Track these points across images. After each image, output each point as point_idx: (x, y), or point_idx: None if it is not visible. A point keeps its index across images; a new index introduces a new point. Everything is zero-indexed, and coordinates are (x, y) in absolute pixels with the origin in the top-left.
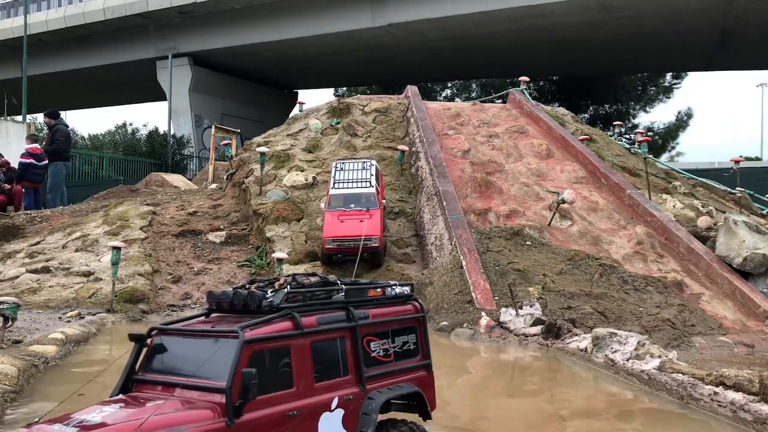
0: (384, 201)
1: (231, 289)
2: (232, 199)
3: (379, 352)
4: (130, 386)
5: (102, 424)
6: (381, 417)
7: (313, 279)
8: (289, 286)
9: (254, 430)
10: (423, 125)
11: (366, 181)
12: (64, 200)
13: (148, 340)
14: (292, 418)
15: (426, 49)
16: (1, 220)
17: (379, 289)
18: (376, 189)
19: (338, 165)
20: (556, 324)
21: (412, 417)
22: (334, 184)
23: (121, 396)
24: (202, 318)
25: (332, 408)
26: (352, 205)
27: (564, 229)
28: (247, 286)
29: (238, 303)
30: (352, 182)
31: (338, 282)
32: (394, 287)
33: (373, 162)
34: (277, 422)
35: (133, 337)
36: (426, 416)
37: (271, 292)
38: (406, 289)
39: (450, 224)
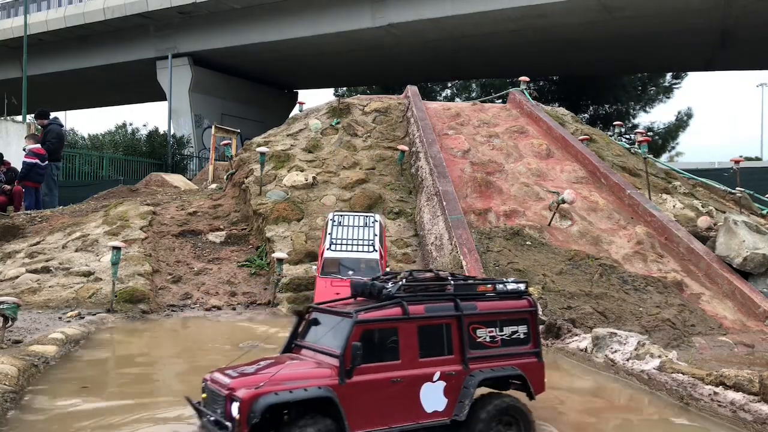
0: (388, 268)
1: (369, 280)
2: (232, 199)
3: (485, 338)
4: (291, 348)
5: (253, 372)
6: (494, 392)
7: (428, 275)
8: (404, 280)
9: (362, 389)
10: (423, 125)
11: (369, 244)
12: (54, 202)
13: (306, 315)
14: (396, 384)
15: (426, 49)
16: (1, 220)
17: (489, 285)
18: (380, 253)
19: (335, 218)
20: (556, 324)
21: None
22: (330, 244)
23: (278, 355)
24: (348, 300)
25: (434, 380)
26: (350, 273)
27: (564, 229)
28: (378, 278)
29: (369, 291)
30: (352, 243)
31: (449, 278)
32: (506, 284)
33: (378, 218)
34: (382, 385)
35: (296, 312)
36: (530, 396)
37: (391, 285)
38: (521, 286)
39: (450, 224)
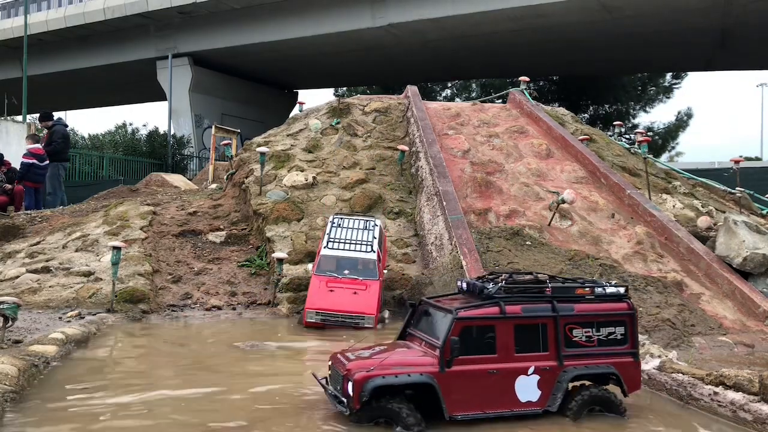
0: (386, 271)
1: (473, 279)
2: (232, 199)
3: (581, 338)
4: (405, 336)
5: (367, 357)
6: (586, 384)
7: (527, 277)
8: (504, 282)
9: (460, 377)
10: (423, 125)
11: (367, 245)
12: (64, 201)
13: (418, 306)
14: (492, 375)
15: (426, 49)
16: (1, 220)
17: (587, 289)
18: (378, 255)
19: (336, 220)
20: None
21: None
22: (327, 242)
23: (392, 341)
24: (454, 296)
25: (528, 373)
26: (346, 272)
27: (564, 229)
28: (483, 278)
29: (473, 290)
30: (350, 243)
31: (547, 281)
32: (605, 287)
33: (378, 222)
34: (479, 376)
35: (410, 305)
36: (624, 393)
37: (491, 285)
38: (621, 290)
39: (450, 224)
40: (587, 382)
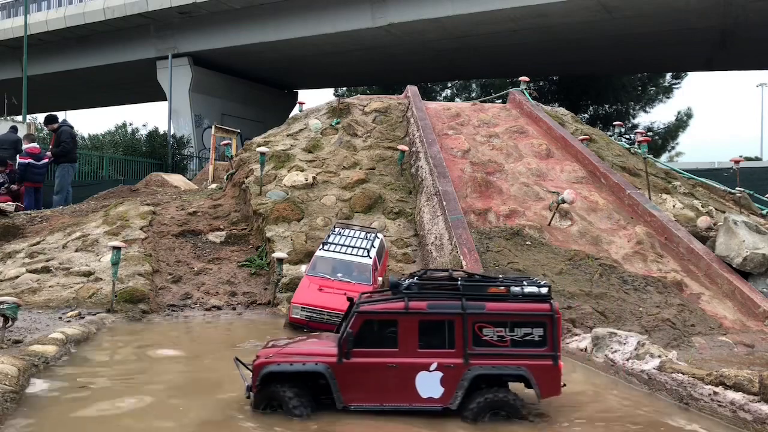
0: (380, 280)
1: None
2: (232, 199)
3: (492, 337)
4: (340, 329)
5: (281, 346)
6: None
7: (442, 274)
8: (416, 278)
9: (358, 368)
10: (423, 125)
11: (364, 250)
12: (69, 201)
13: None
14: (392, 369)
15: (426, 49)
16: (1, 220)
17: (502, 288)
18: (375, 263)
19: (338, 229)
20: None
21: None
22: (323, 245)
23: (318, 333)
24: (384, 292)
25: (431, 369)
26: (339, 275)
27: (564, 229)
28: (415, 274)
29: (391, 286)
30: (347, 248)
31: (459, 279)
32: (524, 287)
33: (380, 236)
34: (378, 368)
35: (348, 298)
36: (537, 396)
37: (406, 281)
38: (543, 290)
39: (450, 224)
40: (502, 387)
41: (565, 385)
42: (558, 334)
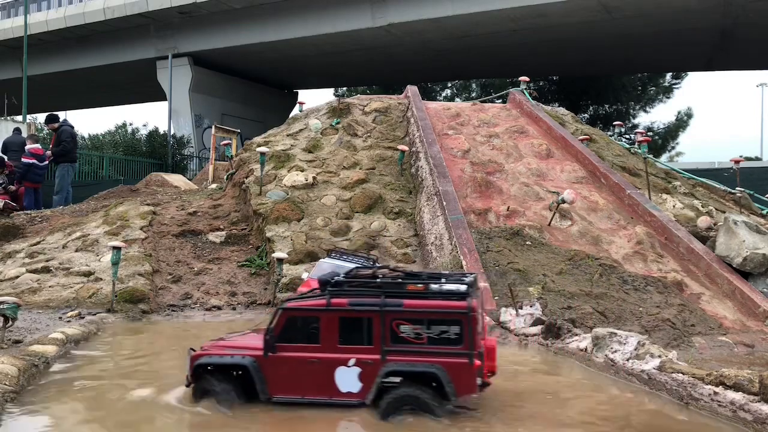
0: None
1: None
2: (232, 199)
3: (409, 334)
4: None
5: (220, 339)
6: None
7: (368, 272)
8: (344, 276)
9: (283, 363)
10: (423, 125)
11: (369, 259)
12: (69, 201)
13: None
14: (313, 364)
15: (426, 49)
16: (1, 220)
17: (420, 285)
18: None
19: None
20: (556, 324)
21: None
22: (328, 254)
23: (257, 328)
24: (315, 291)
25: (349, 365)
26: None
27: (564, 229)
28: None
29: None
30: (354, 256)
31: (378, 276)
32: (443, 284)
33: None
34: (300, 363)
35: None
36: (448, 394)
37: (334, 279)
38: (461, 288)
39: (450, 224)
40: (416, 385)
41: (489, 383)
42: (474, 333)
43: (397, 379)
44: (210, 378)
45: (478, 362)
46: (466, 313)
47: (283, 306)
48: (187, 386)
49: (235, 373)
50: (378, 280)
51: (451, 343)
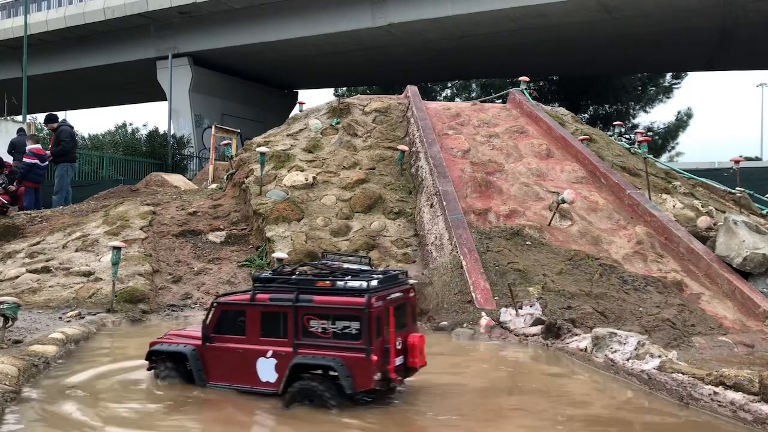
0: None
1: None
2: (232, 199)
3: (317, 329)
4: None
5: (180, 329)
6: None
7: (289, 269)
8: (270, 272)
9: (216, 352)
10: (423, 125)
11: (364, 259)
12: (69, 201)
13: None
14: (240, 353)
15: (426, 49)
16: (1, 220)
17: (327, 282)
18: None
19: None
20: (556, 324)
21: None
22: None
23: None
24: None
25: (267, 356)
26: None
27: (564, 229)
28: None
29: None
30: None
31: (295, 273)
32: (348, 281)
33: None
34: (229, 352)
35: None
36: (345, 387)
37: (264, 275)
38: (363, 284)
39: (450, 224)
40: (321, 375)
41: (406, 377)
42: (371, 329)
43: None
44: (161, 363)
45: (375, 357)
46: (364, 310)
47: (217, 300)
48: (148, 370)
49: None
50: (293, 277)
51: (351, 338)
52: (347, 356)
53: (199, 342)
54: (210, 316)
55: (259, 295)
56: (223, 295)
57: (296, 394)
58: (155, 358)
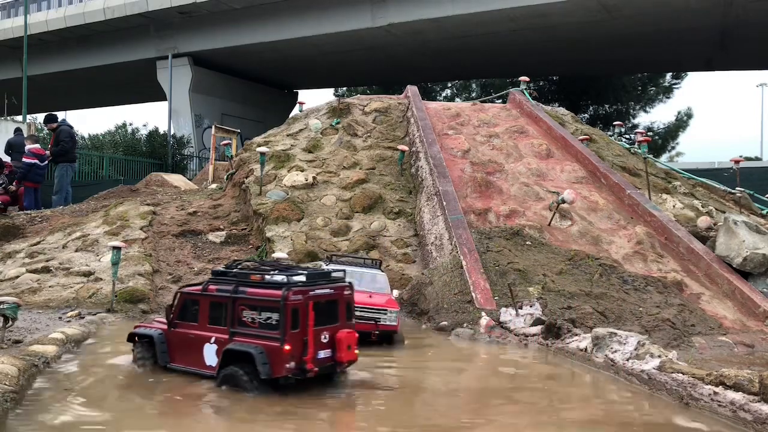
0: (395, 292)
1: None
2: (232, 199)
3: (248, 319)
4: None
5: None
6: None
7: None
8: (223, 267)
9: (177, 336)
10: (423, 125)
11: (375, 261)
12: (69, 201)
13: None
14: (193, 338)
15: (426, 49)
16: (1, 220)
17: (258, 276)
18: (387, 283)
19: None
20: (556, 324)
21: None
22: (328, 261)
23: None
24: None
25: (211, 342)
26: (356, 284)
27: (564, 229)
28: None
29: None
30: (356, 261)
31: (236, 267)
32: (275, 275)
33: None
34: (186, 337)
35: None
36: (259, 373)
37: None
38: (284, 278)
39: (450, 224)
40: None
41: (301, 367)
42: (287, 320)
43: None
44: (137, 344)
45: (288, 347)
46: (280, 302)
47: (181, 290)
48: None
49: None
50: (234, 271)
51: (271, 328)
52: (266, 345)
53: (165, 327)
54: (175, 303)
55: (210, 287)
56: (187, 285)
57: (223, 378)
58: (136, 340)
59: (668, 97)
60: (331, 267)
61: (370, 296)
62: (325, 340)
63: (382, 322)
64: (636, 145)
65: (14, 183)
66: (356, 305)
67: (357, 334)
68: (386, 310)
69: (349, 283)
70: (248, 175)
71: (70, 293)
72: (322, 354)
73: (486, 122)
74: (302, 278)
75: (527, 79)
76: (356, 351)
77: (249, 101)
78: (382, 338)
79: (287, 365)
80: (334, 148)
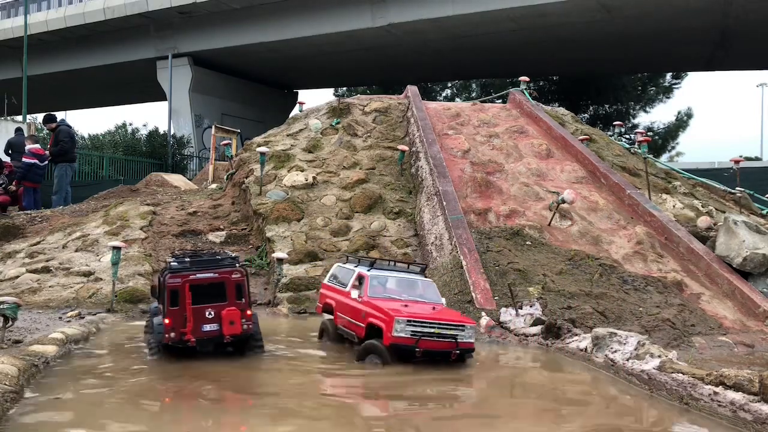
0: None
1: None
2: (232, 199)
3: (161, 298)
4: None
5: None
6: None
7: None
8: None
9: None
10: (423, 125)
11: (420, 266)
12: (68, 201)
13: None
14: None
15: (426, 49)
16: (1, 220)
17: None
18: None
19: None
20: (556, 324)
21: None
22: (370, 265)
23: None
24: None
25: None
26: (404, 296)
27: (564, 229)
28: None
29: None
30: (401, 267)
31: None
32: (171, 263)
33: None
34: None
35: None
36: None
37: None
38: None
39: (450, 224)
40: None
41: (180, 338)
42: (167, 299)
43: None
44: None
45: (168, 321)
46: (161, 284)
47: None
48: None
49: None
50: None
51: (165, 306)
52: (163, 319)
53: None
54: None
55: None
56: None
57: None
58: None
59: (668, 97)
60: (374, 272)
61: (434, 308)
62: (210, 317)
63: (460, 340)
64: (636, 145)
65: (14, 183)
66: (425, 320)
67: (240, 312)
68: (464, 326)
69: (242, 267)
70: (248, 175)
71: (70, 293)
72: (208, 327)
73: (486, 122)
74: (180, 264)
75: (527, 79)
76: (245, 327)
77: (249, 101)
78: (461, 358)
79: (168, 335)
80: (334, 148)
